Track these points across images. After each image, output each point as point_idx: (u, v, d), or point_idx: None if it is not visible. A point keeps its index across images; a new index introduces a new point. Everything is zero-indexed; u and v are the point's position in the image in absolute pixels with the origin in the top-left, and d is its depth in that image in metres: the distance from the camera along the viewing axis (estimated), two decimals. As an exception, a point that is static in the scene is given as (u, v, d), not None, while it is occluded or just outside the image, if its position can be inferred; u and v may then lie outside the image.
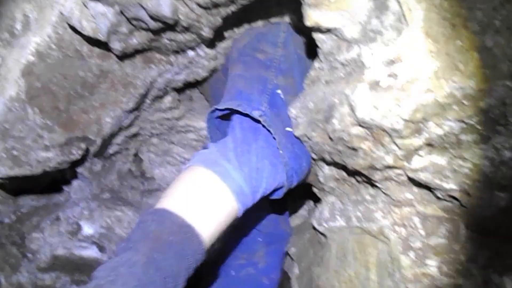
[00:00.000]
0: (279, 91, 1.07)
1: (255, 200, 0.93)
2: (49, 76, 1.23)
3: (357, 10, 0.77)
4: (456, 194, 0.77)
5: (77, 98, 1.30)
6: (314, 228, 1.16)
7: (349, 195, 1.04)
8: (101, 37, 1.05)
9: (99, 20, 1.02)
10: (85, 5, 1.01)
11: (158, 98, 1.53)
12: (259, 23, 1.30)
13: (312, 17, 0.81)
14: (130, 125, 1.63)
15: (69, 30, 1.14)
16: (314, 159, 1.05)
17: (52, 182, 1.73)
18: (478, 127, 0.68)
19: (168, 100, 1.58)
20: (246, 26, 1.29)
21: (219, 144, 0.96)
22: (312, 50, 1.19)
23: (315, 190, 1.17)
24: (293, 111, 0.99)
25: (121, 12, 1.02)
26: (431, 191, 0.82)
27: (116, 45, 1.11)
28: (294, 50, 1.20)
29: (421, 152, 0.76)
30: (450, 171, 0.76)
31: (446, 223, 0.83)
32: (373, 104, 0.74)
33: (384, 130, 0.75)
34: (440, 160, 0.76)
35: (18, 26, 1.29)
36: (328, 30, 0.84)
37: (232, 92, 1.08)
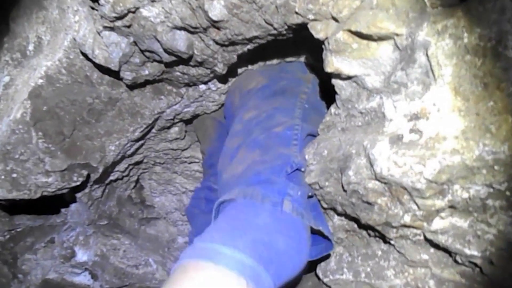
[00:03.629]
0: (302, 169, 0.96)
1: (277, 276, 0.77)
2: (56, 101, 1.21)
3: (381, 60, 0.74)
4: (478, 261, 0.72)
5: (82, 124, 1.27)
6: (318, 278, 1.10)
7: (358, 248, 0.98)
8: (113, 66, 1.03)
9: (112, 49, 0.99)
10: (98, 33, 0.98)
11: (165, 128, 1.50)
12: (274, 61, 1.28)
13: (333, 63, 0.78)
14: (134, 153, 1.59)
15: (81, 56, 1.12)
16: (324, 208, 1.00)
17: (50, 203, 1.69)
18: (508, 193, 0.63)
19: (174, 130, 1.55)
20: (260, 63, 1.27)
21: (203, 234, 0.81)
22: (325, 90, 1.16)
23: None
24: (305, 156, 0.95)
25: (135, 43, 0.99)
26: (449, 254, 0.77)
27: (127, 75, 1.09)
28: (315, 105, 1.13)
29: (442, 214, 0.71)
30: (472, 236, 0.71)
31: (465, 290, 0.77)
32: (393, 159, 0.69)
33: (404, 188, 0.70)
34: (463, 223, 0.71)
35: (31, 47, 1.27)
36: (348, 77, 0.81)
37: (245, 172, 0.95)
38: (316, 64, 1.18)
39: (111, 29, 0.97)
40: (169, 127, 1.51)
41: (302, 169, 0.95)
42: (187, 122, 1.58)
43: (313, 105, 1.12)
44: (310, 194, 0.95)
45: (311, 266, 1.11)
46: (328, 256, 1.04)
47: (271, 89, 1.16)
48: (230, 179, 1.01)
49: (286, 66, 1.27)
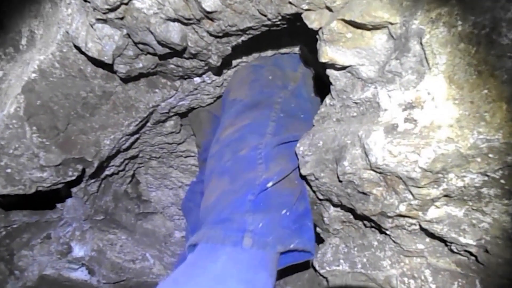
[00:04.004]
0: (269, 184, 0.98)
1: None
2: (50, 95, 1.20)
3: (375, 50, 0.74)
4: (473, 250, 0.72)
5: (77, 118, 1.26)
6: (315, 269, 1.10)
7: (354, 239, 0.98)
8: (106, 59, 1.02)
9: (105, 42, 0.98)
10: (91, 26, 0.97)
11: (160, 122, 1.49)
12: (269, 52, 1.27)
13: (327, 53, 0.78)
14: (129, 148, 1.59)
15: (74, 50, 1.11)
16: (320, 199, 1.00)
17: (45, 198, 1.68)
18: (502, 181, 0.63)
19: (170, 124, 1.54)
20: (255, 55, 1.26)
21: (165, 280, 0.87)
22: (320, 82, 1.16)
23: (318, 230, 1.11)
24: (300, 148, 0.95)
25: (128, 36, 0.99)
26: (445, 243, 0.77)
27: (121, 68, 1.08)
28: (299, 108, 1.14)
29: (437, 203, 0.71)
30: (467, 225, 0.71)
31: (460, 279, 0.77)
32: (388, 149, 0.69)
33: (399, 177, 0.70)
34: (458, 212, 0.71)
35: (24, 41, 1.26)
36: (343, 68, 0.80)
37: (214, 205, 1.00)
38: (309, 55, 1.17)
39: (104, 21, 0.96)
40: (164, 121, 1.50)
41: (269, 184, 0.97)
42: (182, 115, 1.57)
43: (289, 111, 1.14)
44: (285, 209, 0.97)
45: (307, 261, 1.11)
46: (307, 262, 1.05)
47: (247, 104, 1.17)
48: (204, 210, 1.05)
49: (279, 59, 1.27)
